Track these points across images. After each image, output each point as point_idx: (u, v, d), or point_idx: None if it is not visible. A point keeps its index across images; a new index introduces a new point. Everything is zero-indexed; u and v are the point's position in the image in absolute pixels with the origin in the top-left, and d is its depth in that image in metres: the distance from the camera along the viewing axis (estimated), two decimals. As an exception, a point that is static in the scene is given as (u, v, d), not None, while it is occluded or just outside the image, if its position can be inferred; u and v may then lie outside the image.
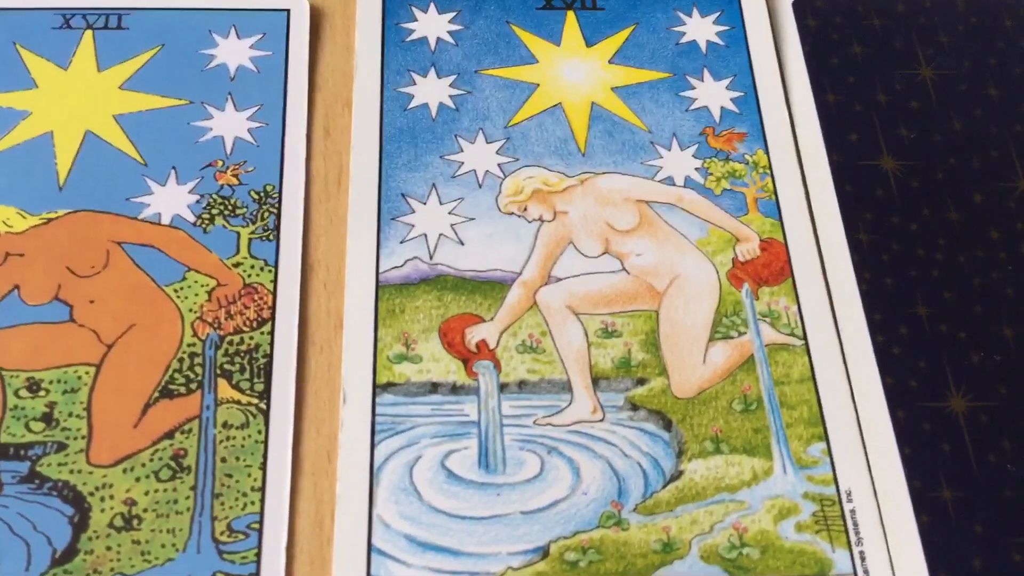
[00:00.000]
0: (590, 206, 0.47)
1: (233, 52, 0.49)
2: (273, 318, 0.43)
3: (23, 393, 0.41)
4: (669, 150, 0.48)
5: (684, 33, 0.52)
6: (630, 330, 0.44)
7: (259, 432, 0.40)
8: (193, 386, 0.41)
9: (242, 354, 0.42)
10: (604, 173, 0.48)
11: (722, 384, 0.43)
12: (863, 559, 0.39)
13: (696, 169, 0.48)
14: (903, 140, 0.49)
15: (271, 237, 0.45)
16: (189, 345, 0.42)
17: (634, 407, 0.42)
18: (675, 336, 0.44)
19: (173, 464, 0.40)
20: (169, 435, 0.40)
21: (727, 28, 0.52)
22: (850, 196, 0.47)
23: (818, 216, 0.47)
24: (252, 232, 0.45)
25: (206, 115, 0.48)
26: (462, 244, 0.45)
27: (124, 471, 0.39)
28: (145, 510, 0.39)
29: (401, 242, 0.45)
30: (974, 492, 0.40)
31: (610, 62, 0.51)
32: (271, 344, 0.42)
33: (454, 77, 0.50)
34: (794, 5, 0.53)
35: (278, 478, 0.40)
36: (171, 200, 0.45)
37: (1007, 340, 0.44)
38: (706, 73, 0.51)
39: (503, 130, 0.49)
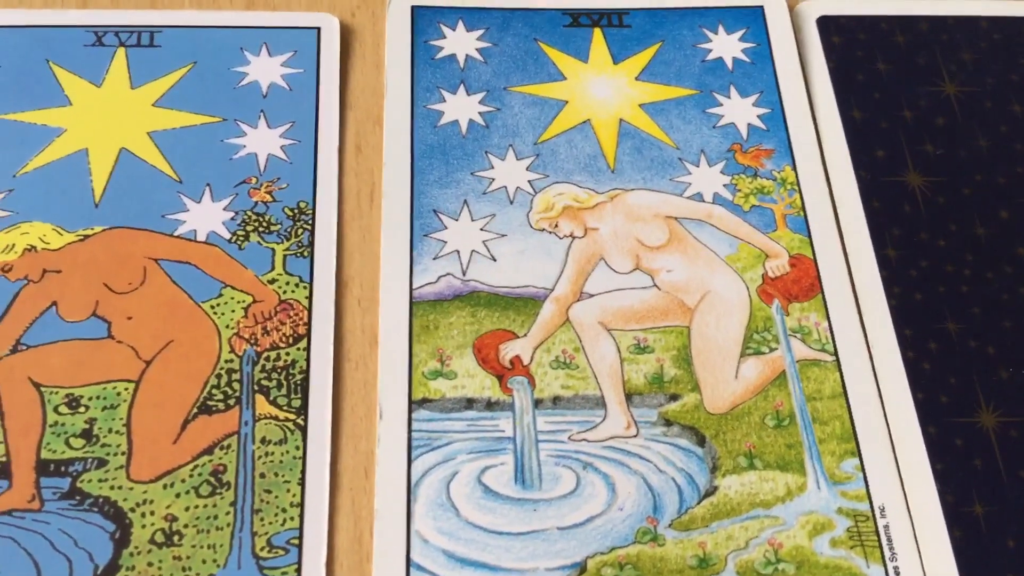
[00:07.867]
0: (620, 222, 0.47)
1: (265, 70, 0.50)
2: (309, 334, 0.43)
3: (63, 409, 0.41)
4: (697, 166, 0.49)
5: (710, 50, 0.52)
6: (662, 346, 0.44)
7: (297, 448, 0.41)
8: (231, 402, 0.42)
9: (279, 370, 0.42)
10: (633, 189, 0.48)
11: (754, 400, 0.43)
12: (897, 574, 0.39)
13: (724, 185, 0.48)
14: (929, 156, 0.49)
15: (305, 254, 0.45)
16: (227, 361, 0.42)
17: (667, 423, 0.42)
18: (707, 352, 0.44)
19: (213, 480, 0.40)
20: (208, 451, 0.41)
21: (753, 45, 0.53)
22: (877, 212, 0.48)
23: (846, 232, 0.47)
24: (286, 249, 0.45)
25: (239, 132, 0.48)
26: (494, 260, 0.46)
27: (164, 487, 0.40)
28: (186, 526, 0.39)
29: (434, 258, 0.46)
30: (1006, 507, 0.41)
31: (637, 79, 0.52)
32: (307, 360, 0.43)
33: (483, 94, 0.50)
34: (819, 22, 0.53)
35: (317, 494, 0.40)
36: (206, 217, 0.46)
37: (1036, 356, 0.44)
38: (732, 90, 0.51)
39: (533, 147, 0.49)
